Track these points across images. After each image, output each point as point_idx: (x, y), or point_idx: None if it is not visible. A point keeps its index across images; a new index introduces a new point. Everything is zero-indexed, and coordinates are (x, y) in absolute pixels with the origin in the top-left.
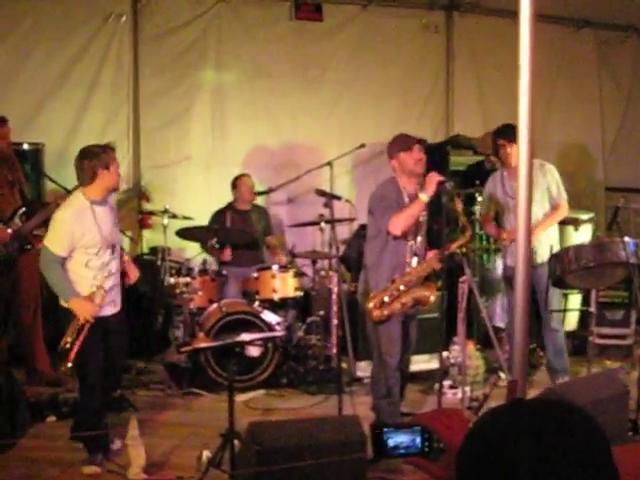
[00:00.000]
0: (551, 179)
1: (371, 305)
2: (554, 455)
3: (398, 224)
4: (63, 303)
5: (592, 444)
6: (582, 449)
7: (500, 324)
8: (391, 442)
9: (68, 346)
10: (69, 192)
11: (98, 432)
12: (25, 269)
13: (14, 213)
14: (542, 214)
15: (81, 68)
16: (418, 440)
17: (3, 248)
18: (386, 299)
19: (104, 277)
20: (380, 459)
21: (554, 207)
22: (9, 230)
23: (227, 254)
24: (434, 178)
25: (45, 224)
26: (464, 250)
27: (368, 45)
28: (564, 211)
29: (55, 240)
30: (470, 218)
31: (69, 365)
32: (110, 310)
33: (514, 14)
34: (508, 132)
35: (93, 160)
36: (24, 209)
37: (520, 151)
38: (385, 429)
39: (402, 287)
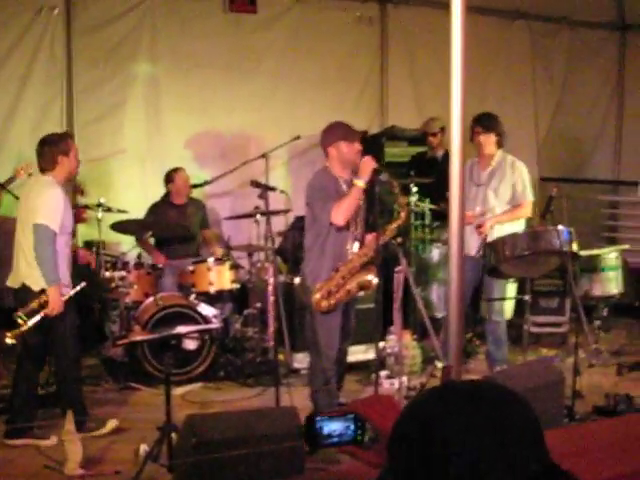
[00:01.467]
0: (518, 177)
1: (318, 296)
2: (485, 434)
3: (340, 214)
4: (33, 285)
5: (524, 424)
6: (514, 428)
7: (437, 314)
8: (324, 431)
9: (20, 322)
10: (1, 185)
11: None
12: None
13: None
14: (501, 209)
15: (14, 62)
16: (352, 428)
17: None
18: (333, 288)
19: (70, 259)
20: (314, 449)
21: (516, 205)
22: None
23: (161, 259)
24: (369, 164)
25: None
26: (400, 240)
27: (303, 37)
28: (526, 211)
29: (51, 217)
30: (407, 207)
31: (12, 341)
32: (68, 292)
33: (447, 6)
34: (484, 121)
35: (53, 147)
36: None
37: (452, 141)
38: (317, 418)
39: (346, 274)
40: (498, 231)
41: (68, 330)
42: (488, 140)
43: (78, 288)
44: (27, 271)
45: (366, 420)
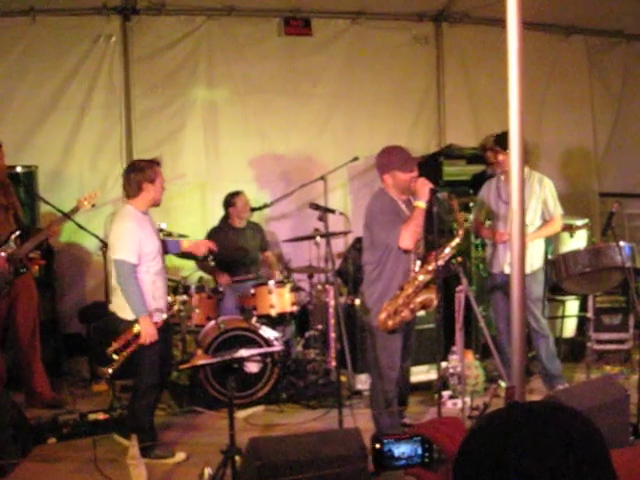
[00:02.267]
0: (548, 192)
1: (384, 315)
2: (551, 455)
3: (408, 237)
4: (126, 315)
5: (589, 445)
6: (579, 449)
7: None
8: (392, 453)
9: (115, 356)
10: (64, 214)
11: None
12: (22, 292)
13: (8, 237)
14: (533, 225)
15: (73, 90)
16: (419, 450)
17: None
18: (399, 307)
19: (161, 282)
20: (381, 471)
21: (547, 220)
22: (2, 254)
23: (225, 279)
24: (425, 185)
25: (40, 247)
26: (460, 259)
27: (358, 58)
28: (557, 225)
29: (126, 250)
30: (465, 225)
31: (109, 372)
32: (165, 315)
33: (503, 23)
34: (502, 140)
35: (139, 174)
36: (18, 233)
37: (511, 158)
38: (385, 440)
39: (411, 293)
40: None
41: (147, 358)
42: (507, 158)
43: (164, 317)
44: (118, 301)
45: (433, 442)
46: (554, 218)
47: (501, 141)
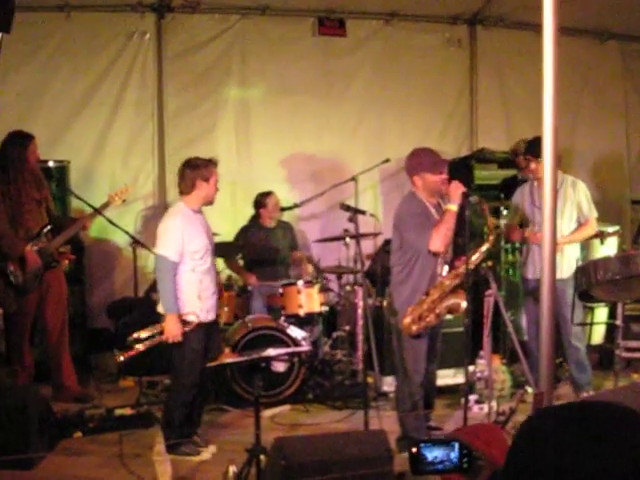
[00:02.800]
0: (582, 196)
1: (409, 320)
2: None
3: (438, 241)
4: (161, 310)
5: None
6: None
7: (527, 338)
8: (428, 457)
9: (135, 344)
10: (95, 210)
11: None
12: (52, 286)
13: (40, 230)
14: (569, 229)
15: (106, 86)
16: (453, 455)
17: (30, 267)
18: (424, 312)
19: (209, 282)
20: (418, 475)
21: (582, 223)
22: (34, 248)
23: (253, 280)
24: (458, 188)
25: (70, 242)
26: (490, 264)
27: (392, 59)
28: (592, 228)
29: (167, 246)
30: (496, 230)
31: (121, 359)
32: (212, 316)
33: (538, 27)
34: (533, 148)
35: (194, 171)
36: (50, 227)
37: (544, 163)
38: (422, 444)
39: (436, 298)
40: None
41: (185, 357)
42: (541, 166)
43: (192, 318)
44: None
45: (471, 448)
46: (589, 221)
47: (532, 149)
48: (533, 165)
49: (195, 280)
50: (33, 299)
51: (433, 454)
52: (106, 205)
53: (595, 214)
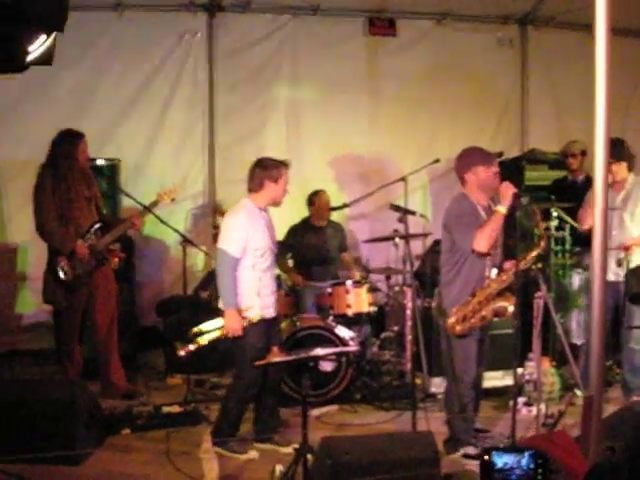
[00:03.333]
0: None
1: (453, 320)
2: None
3: (483, 241)
4: (221, 306)
5: None
6: None
7: (576, 341)
8: (497, 465)
9: (197, 339)
10: (145, 207)
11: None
12: (101, 283)
13: (90, 228)
14: (638, 231)
15: (157, 85)
16: (528, 464)
17: (80, 263)
18: (468, 313)
19: (268, 280)
20: None
21: None
22: (85, 244)
23: (298, 280)
24: (509, 189)
25: (120, 240)
26: (540, 265)
27: (442, 59)
28: None
29: (230, 242)
30: (546, 233)
31: (182, 353)
32: (271, 313)
33: (589, 28)
34: (612, 149)
35: (264, 171)
36: (99, 224)
37: (595, 165)
38: (494, 452)
39: (483, 300)
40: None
41: (246, 354)
42: (619, 168)
43: (251, 315)
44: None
45: (548, 458)
46: None
47: (611, 150)
48: (613, 167)
49: (255, 277)
50: (82, 296)
51: (502, 461)
52: (155, 204)
53: None
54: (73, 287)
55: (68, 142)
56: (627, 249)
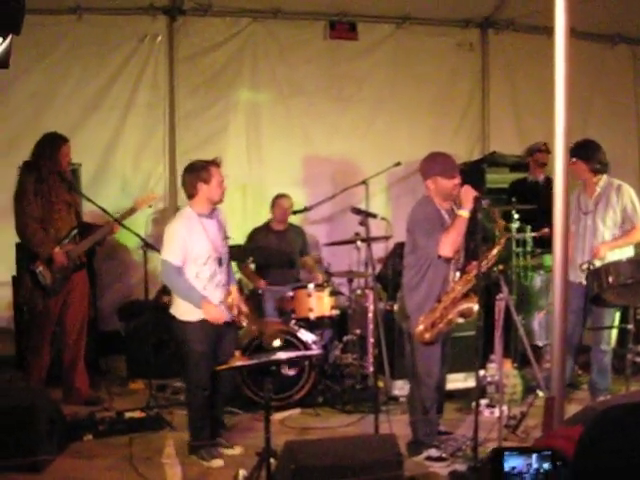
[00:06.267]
0: (627, 200)
1: (421, 328)
2: None
3: (447, 246)
4: (179, 316)
5: None
6: None
7: (538, 342)
8: (505, 466)
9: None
10: (107, 212)
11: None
12: (75, 289)
13: (69, 233)
14: (612, 234)
15: (117, 89)
16: (543, 466)
17: (58, 269)
18: (436, 320)
19: (213, 288)
20: None
21: (630, 228)
22: (63, 249)
23: (262, 284)
24: (470, 193)
25: (97, 245)
26: (501, 267)
27: (403, 63)
28: (639, 234)
29: (171, 251)
30: (506, 233)
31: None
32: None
33: (549, 31)
34: (582, 150)
35: (192, 175)
36: (77, 230)
37: (555, 166)
38: (506, 452)
39: (449, 304)
40: (609, 256)
41: (188, 359)
42: (578, 167)
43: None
44: (174, 302)
45: (567, 456)
46: (636, 226)
47: (581, 151)
48: (580, 167)
49: (199, 287)
50: (58, 300)
51: (510, 463)
52: (132, 211)
53: None
54: (51, 292)
55: (50, 145)
56: (596, 253)
